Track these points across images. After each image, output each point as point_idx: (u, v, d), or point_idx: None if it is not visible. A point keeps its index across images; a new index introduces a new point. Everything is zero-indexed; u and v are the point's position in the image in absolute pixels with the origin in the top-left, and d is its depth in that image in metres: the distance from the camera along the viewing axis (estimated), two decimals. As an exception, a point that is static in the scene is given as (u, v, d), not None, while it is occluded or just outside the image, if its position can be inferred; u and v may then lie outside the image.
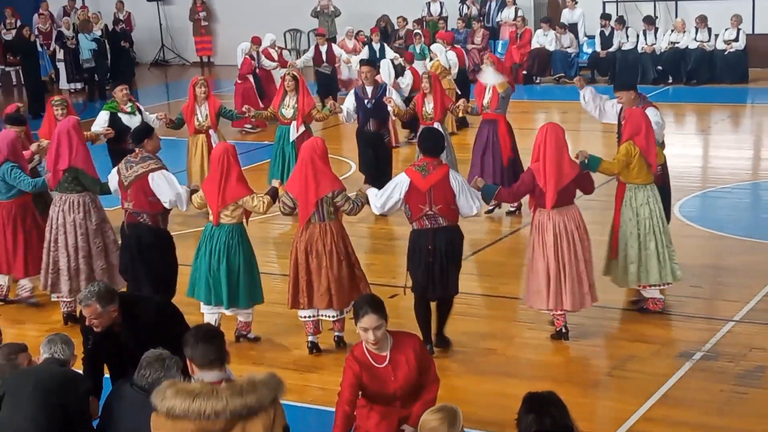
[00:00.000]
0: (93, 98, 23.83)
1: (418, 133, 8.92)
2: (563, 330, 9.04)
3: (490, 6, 26.04)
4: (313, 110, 13.20)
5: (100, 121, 12.53)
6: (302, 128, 13.05)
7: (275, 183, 9.27)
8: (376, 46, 20.22)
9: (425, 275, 8.63)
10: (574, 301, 8.87)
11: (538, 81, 24.27)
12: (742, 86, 22.16)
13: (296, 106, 13.05)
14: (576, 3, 24.98)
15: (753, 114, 19.98)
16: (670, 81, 23.05)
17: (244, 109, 13.56)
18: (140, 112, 12.81)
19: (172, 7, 28.82)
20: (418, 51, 19.83)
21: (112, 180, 9.43)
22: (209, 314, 9.07)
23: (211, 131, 13.12)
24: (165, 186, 9.02)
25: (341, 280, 8.67)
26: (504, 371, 8.68)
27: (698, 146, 17.52)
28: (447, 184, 8.50)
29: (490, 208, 12.77)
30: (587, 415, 7.46)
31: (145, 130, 9.41)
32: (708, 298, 10.11)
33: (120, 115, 12.57)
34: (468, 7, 25.87)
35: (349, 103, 13.28)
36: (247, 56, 19.28)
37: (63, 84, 25.21)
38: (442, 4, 25.92)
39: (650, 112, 9.94)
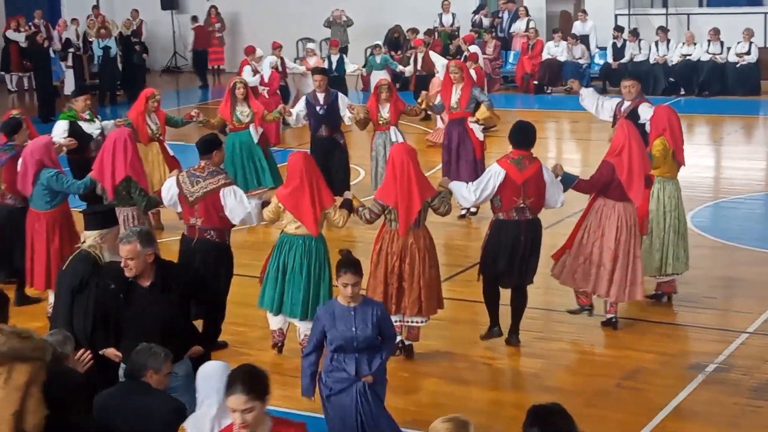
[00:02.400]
0: (103, 104, 23.80)
1: (512, 126, 8.95)
2: (613, 319, 9.38)
3: (502, 17, 26.01)
4: (264, 113, 13.74)
5: (60, 131, 12.08)
6: (260, 129, 13.78)
7: (348, 195, 8.92)
8: (335, 58, 20.43)
9: (507, 264, 8.78)
10: (619, 293, 9.10)
11: (549, 91, 24.19)
12: (754, 98, 22.07)
13: (251, 110, 13.56)
14: (587, 15, 24.95)
15: (765, 125, 19.87)
16: (682, 92, 22.97)
17: (192, 113, 13.48)
18: (98, 119, 12.59)
19: (186, 16, 28.83)
20: (378, 62, 20.83)
21: (168, 192, 8.94)
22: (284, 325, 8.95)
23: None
24: (236, 203, 8.64)
25: (431, 285, 8.65)
26: (513, 381, 8.59)
27: (710, 157, 17.41)
28: (541, 178, 8.72)
29: (463, 212, 12.99)
30: (595, 427, 7.31)
31: (214, 141, 8.97)
32: (721, 309, 9.99)
33: (80, 123, 12.25)
34: (480, 18, 25.84)
35: (299, 108, 13.66)
36: (273, 69, 19.23)
37: (68, 90, 25.19)
38: (454, 15, 25.88)
39: (646, 107, 10.64)
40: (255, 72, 18.87)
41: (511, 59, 25.30)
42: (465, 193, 8.78)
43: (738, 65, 22.63)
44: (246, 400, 4.95)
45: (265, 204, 8.81)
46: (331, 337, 6.63)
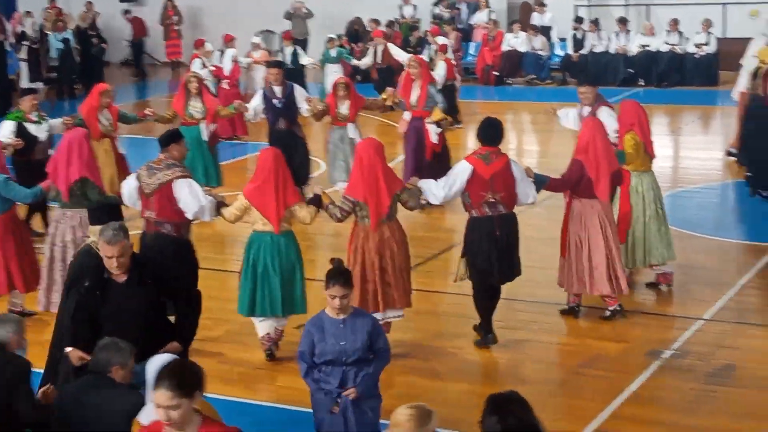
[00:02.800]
0: (61, 97, 23.63)
1: (480, 123, 9.00)
2: (576, 308, 9.54)
3: (460, 9, 26.09)
4: (218, 108, 13.67)
5: (6, 132, 11.77)
6: (212, 126, 13.64)
7: (317, 190, 8.93)
8: (288, 50, 20.49)
9: (487, 261, 8.74)
10: (612, 286, 9.23)
11: (509, 82, 24.30)
12: (712, 89, 22.30)
13: (204, 106, 13.46)
14: (545, 8, 25.09)
15: (723, 116, 20.04)
16: (641, 83, 23.16)
17: (147, 111, 13.44)
18: (46, 120, 12.30)
19: (145, 8, 28.66)
20: (333, 55, 20.83)
21: (128, 187, 8.80)
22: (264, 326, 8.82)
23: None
24: (189, 196, 8.53)
25: (403, 279, 8.67)
26: (474, 371, 8.63)
27: (669, 147, 17.57)
28: (509, 173, 8.74)
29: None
30: (556, 414, 7.40)
31: (174, 135, 8.89)
32: (678, 296, 10.10)
33: (26, 124, 11.96)
34: (441, 10, 25.91)
35: (255, 102, 13.63)
36: (235, 62, 19.19)
37: (24, 83, 24.94)
38: (415, 7, 25.93)
39: (605, 111, 10.66)
40: (204, 66, 18.81)
41: (471, 51, 25.40)
42: (434, 189, 8.81)
43: (696, 56, 22.85)
44: (171, 396, 4.71)
45: (220, 203, 8.72)
46: (320, 350, 6.47)
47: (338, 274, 6.53)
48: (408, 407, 5.08)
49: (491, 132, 8.88)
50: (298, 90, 13.62)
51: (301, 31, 24.45)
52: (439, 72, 17.96)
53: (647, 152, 9.98)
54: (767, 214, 13.01)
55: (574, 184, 9.24)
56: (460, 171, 8.73)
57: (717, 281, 10.36)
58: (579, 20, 24.53)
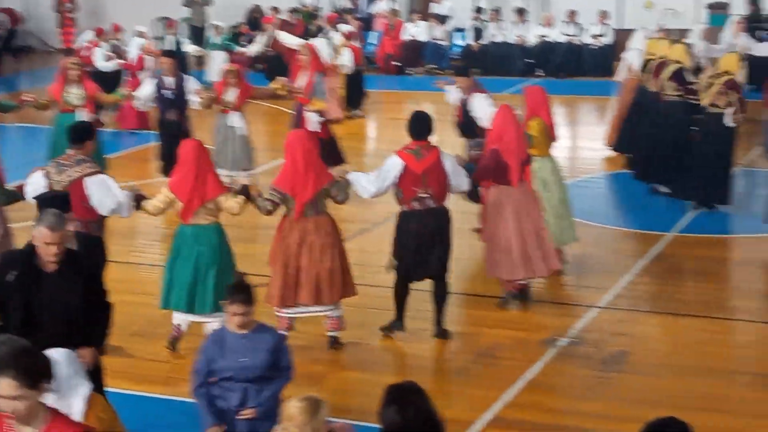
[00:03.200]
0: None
1: (409, 118, 8.98)
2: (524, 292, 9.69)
3: (359, -3, 26.14)
4: (98, 95, 13.33)
5: None
6: (94, 115, 13.36)
7: (245, 181, 8.82)
8: (171, 39, 20.42)
9: (414, 256, 8.74)
10: (541, 267, 9.39)
11: (410, 72, 24.39)
12: (609, 80, 22.62)
13: (83, 92, 13.08)
14: (446, -4, 25.30)
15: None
16: (540, 73, 23.45)
17: (25, 97, 13.17)
18: None
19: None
20: (218, 42, 20.86)
21: (35, 185, 8.38)
22: (184, 321, 8.66)
23: None
24: (103, 193, 8.26)
25: (333, 274, 8.54)
26: (372, 361, 8.65)
27: (566, 137, 17.78)
28: (441, 166, 8.70)
29: None
30: (453, 403, 7.48)
31: (86, 130, 8.61)
32: (573, 285, 10.26)
33: None
34: (341, -2, 25.92)
35: (146, 90, 13.52)
36: (140, 53, 18.89)
37: None
38: (316, -6, 25.88)
39: (482, 98, 10.96)
40: (109, 56, 18.49)
41: (372, 40, 25.42)
42: (364, 183, 8.76)
43: (593, 47, 23.23)
44: (16, 387, 4.37)
45: (140, 197, 8.52)
46: (219, 367, 6.23)
47: (238, 291, 6.32)
48: (299, 400, 5.08)
49: (420, 126, 8.86)
50: (189, 81, 13.49)
51: (200, 18, 24.19)
52: (346, 58, 18.00)
53: (550, 137, 10.21)
54: (661, 202, 13.29)
55: (494, 172, 9.33)
56: (391, 166, 8.68)
57: (611, 269, 10.56)
58: (479, 10, 24.74)
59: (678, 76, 13.07)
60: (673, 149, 12.91)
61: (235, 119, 13.24)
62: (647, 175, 13.60)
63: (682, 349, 8.73)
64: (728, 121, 12.02)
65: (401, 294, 8.99)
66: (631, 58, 15.29)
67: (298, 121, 13.44)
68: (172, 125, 13.26)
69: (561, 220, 10.24)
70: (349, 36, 18.82)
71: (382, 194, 8.90)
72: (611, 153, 15.52)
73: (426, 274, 8.90)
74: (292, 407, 4.99)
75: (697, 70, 14.09)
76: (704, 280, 10.37)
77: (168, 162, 12.65)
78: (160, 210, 8.51)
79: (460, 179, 8.88)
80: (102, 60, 18.48)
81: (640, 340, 8.84)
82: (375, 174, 8.77)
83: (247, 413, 6.18)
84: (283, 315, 8.65)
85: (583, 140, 17.87)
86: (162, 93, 13.25)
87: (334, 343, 8.76)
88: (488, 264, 9.54)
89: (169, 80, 13.28)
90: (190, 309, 8.50)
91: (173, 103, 13.28)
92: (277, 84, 13.75)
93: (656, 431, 4.42)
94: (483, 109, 10.48)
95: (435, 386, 7.52)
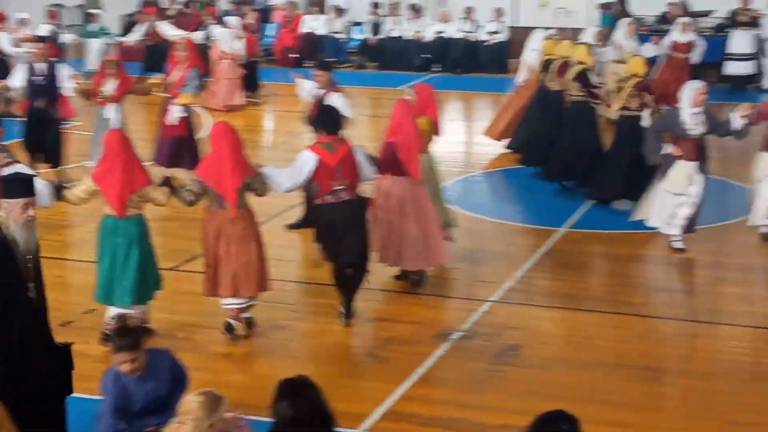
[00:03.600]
0: None
1: (317, 112, 9.15)
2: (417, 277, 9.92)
3: (261, -11, 26.00)
4: None
5: None
6: None
7: (168, 173, 8.66)
8: (47, 27, 20.29)
9: (335, 245, 8.93)
10: (422, 260, 9.66)
11: (307, 65, 24.33)
12: (503, 76, 22.94)
13: None
14: (342, -11, 25.33)
15: (513, 103, 20.64)
16: (437, 68, 23.62)
17: None
18: None
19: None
20: (93, 30, 20.91)
21: None
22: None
23: None
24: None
25: (250, 266, 8.54)
26: (267, 355, 8.64)
27: (461, 132, 18.04)
28: (353, 158, 8.87)
29: None
30: (347, 396, 7.49)
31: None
32: (467, 279, 10.37)
33: None
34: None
35: (17, 78, 13.26)
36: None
37: None
38: (212, -15, 25.63)
39: (338, 97, 11.02)
40: (15, 42, 18.14)
41: (270, 32, 25.31)
42: (278, 178, 8.79)
43: (489, 44, 23.50)
44: None
45: (60, 187, 8.35)
46: (127, 405, 6.12)
47: (121, 338, 6.11)
48: (197, 394, 5.07)
49: (330, 119, 8.99)
50: (61, 68, 13.23)
51: (94, 5, 23.78)
52: (238, 47, 17.97)
53: (434, 133, 10.40)
54: (553, 198, 13.52)
55: (390, 165, 9.48)
56: (305, 161, 8.76)
57: (505, 264, 10.70)
58: (376, 5, 24.83)
59: (583, 78, 13.30)
60: (582, 149, 13.16)
61: (111, 111, 12.97)
62: (554, 174, 13.76)
63: (572, 342, 8.91)
64: (646, 123, 12.22)
65: (340, 282, 9.15)
66: (530, 59, 15.48)
67: (163, 114, 13.28)
68: (40, 113, 12.99)
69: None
70: (247, 27, 18.73)
71: (296, 189, 9.04)
72: (503, 150, 15.63)
73: (347, 263, 9.04)
74: (191, 401, 4.97)
75: (599, 71, 14.34)
76: (594, 275, 10.59)
77: (33, 150, 12.67)
78: (83, 200, 8.40)
79: (368, 167, 9.08)
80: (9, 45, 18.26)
81: (531, 333, 8.99)
82: (289, 169, 8.83)
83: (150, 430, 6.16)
84: (229, 306, 8.76)
85: (479, 135, 18.02)
86: (33, 80, 12.96)
87: (250, 324, 8.90)
88: (389, 254, 9.66)
89: (41, 67, 13.00)
90: (109, 301, 8.42)
91: (44, 90, 12.98)
92: (158, 79, 13.62)
93: (545, 424, 4.51)
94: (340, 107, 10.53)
95: (328, 380, 7.46)
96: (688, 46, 18.83)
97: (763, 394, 7.79)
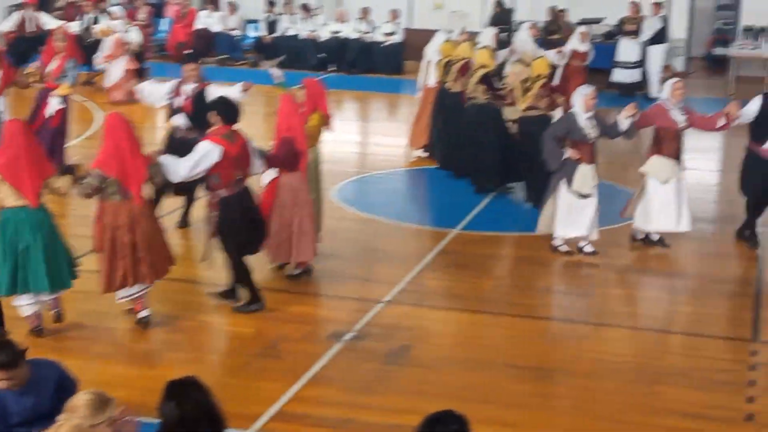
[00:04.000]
0: None
1: (216, 102, 9.17)
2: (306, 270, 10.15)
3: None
4: None
5: None
6: None
7: (72, 161, 8.51)
8: None
9: (246, 234, 9.10)
10: (309, 251, 9.90)
11: (203, 61, 24.08)
12: (398, 77, 23.08)
13: None
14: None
15: (408, 104, 20.74)
16: (333, 68, 23.62)
17: None
18: None
19: None
20: None
21: None
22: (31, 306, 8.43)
23: None
24: None
25: (158, 253, 8.66)
26: (156, 356, 8.54)
27: (357, 133, 18.08)
28: (248, 149, 9.08)
29: None
30: (237, 397, 7.44)
31: None
32: (360, 279, 10.39)
33: None
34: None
35: None
36: None
37: None
38: (105, -22, 25.17)
39: (216, 88, 11.22)
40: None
41: (164, 27, 24.99)
42: (176, 167, 8.77)
43: (384, 45, 23.58)
44: None
45: None
46: (9, 420, 5.88)
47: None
48: (86, 393, 4.98)
49: (232, 111, 9.06)
50: None
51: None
52: (134, 37, 17.81)
53: (326, 129, 10.54)
54: (446, 200, 13.64)
55: (289, 160, 9.61)
56: (208, 151, 8.77)
57: (398, 264, 10.74)
58: (272, 3, 24.71)
59: (486, 80, 13.45)
60: (493, 151, 13.33)
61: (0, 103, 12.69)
62: (463, 175, 13.91)
63: (463, 343, 8.99)
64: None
65: (245, 273, 9.21)
66: (432, 61, 15.56)
67: (40, 105, 12.99)
68: None
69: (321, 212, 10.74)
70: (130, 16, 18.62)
71: (191, 179, 9.04)
72: (420, 154, 15.64)
73: (253, 250, 9.33)
74: (78, 399, 4.87)
75: (500, 73, 14.47)
76: (485, 276, 10.70)
77: None
78: None
79: (257, 160, 9.22)
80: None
81: (423, 334, 9.04)
82: (188, 158, 8.81)
83: None
84: (123, 300, 8.78)
85: (375, 136, 18.14)
86: None
87: (146, 324, 8.86)
88: (281, 251, 9.78)
89: None
90: (25, 289, 8.31)
91: None
92: (30, 69, 13.37)
93: (435, 424, 4.54)
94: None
95: (219, 380, 7.47)
96: (586, 55, 19.15)
97: (646, 393, 7.97)
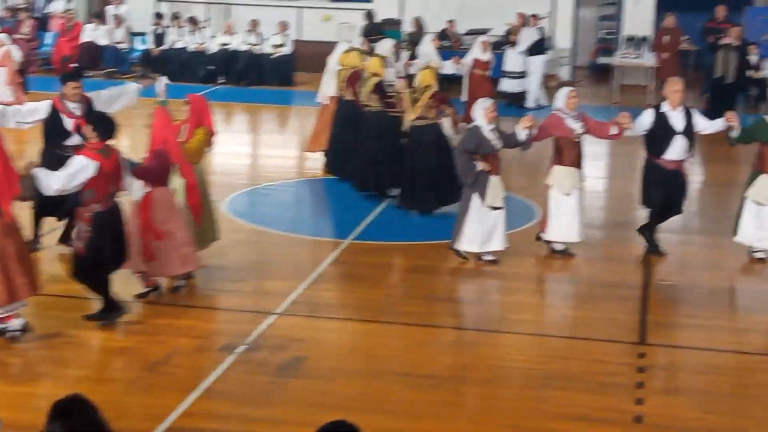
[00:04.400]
0: None
1: (95, 118, 9.13)
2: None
3: (35, -4, 25.19)
4: None
5: None
6: None
7: None
8: None
9: (114, 250, 9.01)
10: (186, 263, 9.78)
11: (89, 75, 23.69)
12: (288, 89, 23.04)
13: None
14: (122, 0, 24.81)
15: (298, 115, 20.76)
16: (222, 80, 23.46)
17: None
18: None
19: None
20: None
21: None
22: None
23: None
24: None
25: (29, 268, 8.59)
26: (41, 373, 8.34)
27: (247, 145, 17.97)
28: (120, 165, 8.99)
29: None
30: (127, 414, 7.30)
31: None
32: (252, 291, 10.31)
33: None
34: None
35: None
36: None
37: None
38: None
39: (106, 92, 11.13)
40: None
41: (48, 40, 24.53)
42: (49, 181, 8.60)
43: (273, 56, 23.51)
44: None
45: None
46: None
47: None
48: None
49: (110, 126, 8.97)
50: None
51: None
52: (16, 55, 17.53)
53: (209, 144, 10.45)
54: (339, 210, 13.64)
55: (160, 173, 9.52)
56: (83, 166, 8.65)
57: (290, 275, 10.67)
58: (159, 16, 24.46)
59: (379, 89, 13.50)
60: (385, 159, 13.43)
61: None
62: (363, 184, 13.93)
63: (357, 353, 8.97)
64: (448, 131, 12.72)
65: (104, 285, 9.10)
66: (333, 71, 15.52)
67: None
68: None
69: (210, 222, 10.62)
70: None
71: (65, 193, 8.87)
72: (319, 158, 15.62)
73: (117, 266, 9.20)
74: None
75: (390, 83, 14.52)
76: (378, 286, 10.70)
77: None
78: None
79: (129, 178, 9.14)
80: None
81: (315, 345, 8.99)
82: (62, 172, 8.66)
83: None
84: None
85: (266, 147, 18.06)
86: None
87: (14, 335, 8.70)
88: (149, 264, 9.65)
89: None
90: None
91: None
92: None
93: None
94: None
95: (107, 398, 7.30)
96: (488, 64, 19.32)
97: (538, 398, 8.05)
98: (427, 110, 12.74)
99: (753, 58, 20.55)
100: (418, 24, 22.84)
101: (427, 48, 18.48)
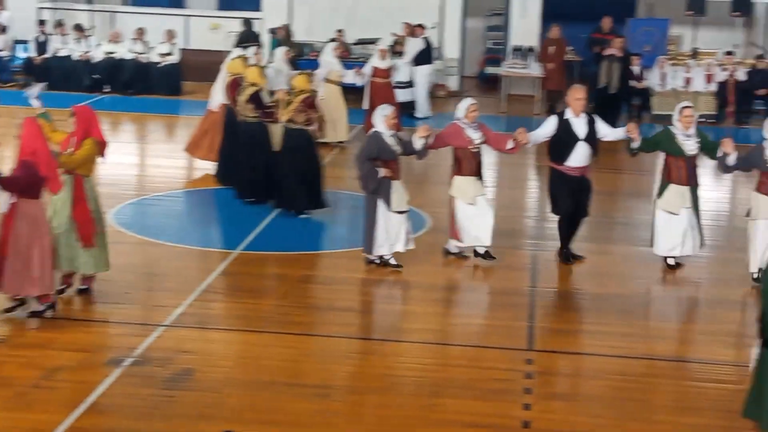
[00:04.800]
0: None
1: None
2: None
3: None
4: None
5: None
6: None
7: None
8: None
9: None
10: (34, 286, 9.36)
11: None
12: (176, 98, 22.77)
13: None
14: (3, 6, 24.22)
15: (186, 125, 20.49)
16: (108, 89, 23.07)
17: None
18: None
19: None
20: None
21: None
22: None
23: None
24: None
25: None
26: None
27: (134, 155, 17.70)
28: None
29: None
30: (10, 430, 7.12)
31: None
32: (140, 303, 10.15)
33: None
34: None
35: None
36: None
37: None
38: None
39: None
40: None
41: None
42: None
43: (161, 65, 23.22)
44: None
45: None
46: None
47: None
48: None
49: None
50: None
51: None
52: None
53: (100, 155, 10.09)
54: (227, 220, 13.53)
55: (26, 184, 9.21)
56: None
57: (178, 287, 10.55)
58: (42, 23, 23.95)
59: (255, 99, 13.44)
60: (260, 167, 13.48)
61: None
62: (243, 192, 13.93)
63: (245, 363, 8.90)
64: (314, 136, 13.00)
65: None
66: (222, 80, 15.37)
67: None
68: None
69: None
70: None
71: None
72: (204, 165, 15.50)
73: None
74: None
75: (272, 92, 14.46)
76: (266, 296, 10.65)
77: None
78: None
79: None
80: None
81: (204, 356, 8.90)
82: None
83: None
84: None
85: (154, 158, 17.81)
86: None
87: None
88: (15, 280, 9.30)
89: None
90: None
91: None
92: None
93: None
94: None
95: (-11, 414, 7.13)
96: (388, 72, 19.32)
97: (428, 405, 8.09)
98: (297, 114, 12.92)
99: (636, 69, 21.06)
100: (287, 31, 22.85)
101: (329, 57, 18.46)
